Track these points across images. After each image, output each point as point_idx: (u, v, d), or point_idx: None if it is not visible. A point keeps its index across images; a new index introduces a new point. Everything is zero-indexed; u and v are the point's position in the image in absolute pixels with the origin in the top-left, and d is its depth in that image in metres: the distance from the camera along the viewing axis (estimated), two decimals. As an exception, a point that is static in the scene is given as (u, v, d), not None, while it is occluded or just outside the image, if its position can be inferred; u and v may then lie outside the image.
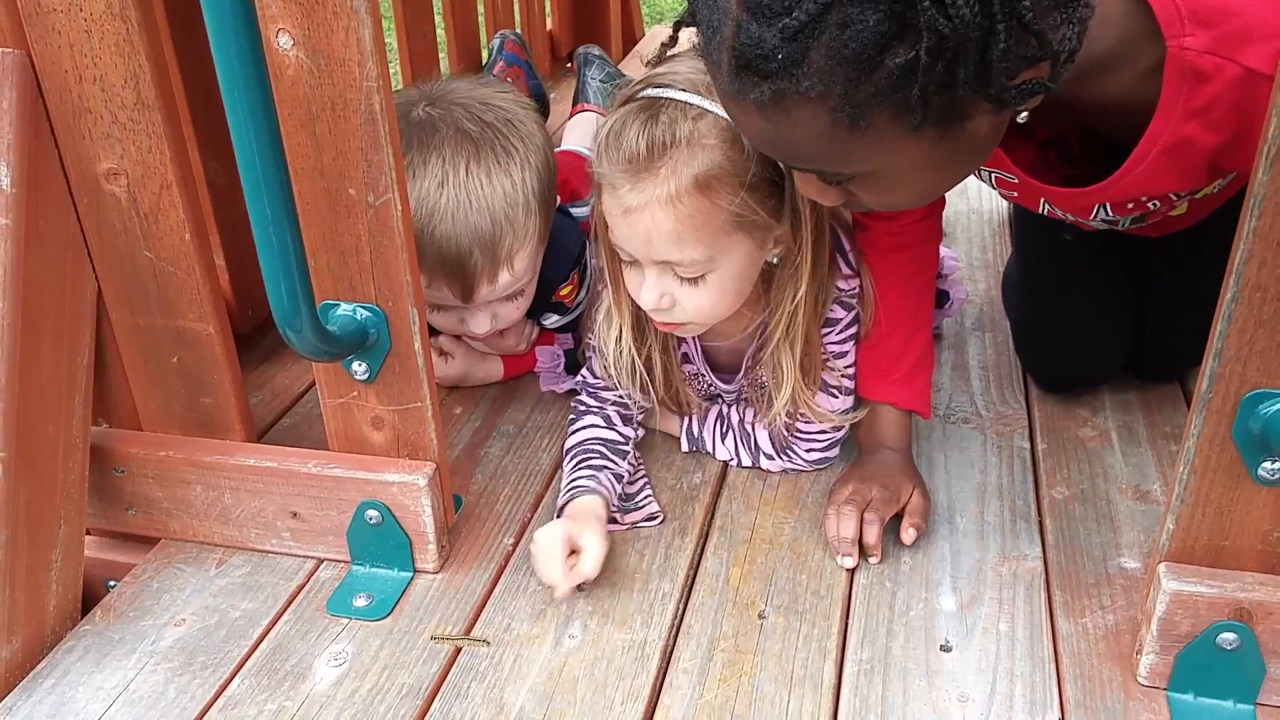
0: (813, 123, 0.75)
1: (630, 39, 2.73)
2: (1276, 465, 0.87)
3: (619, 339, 1.17)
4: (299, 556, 1.13)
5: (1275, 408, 0.84)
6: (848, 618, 1.04)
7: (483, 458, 1.29)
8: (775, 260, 1.08)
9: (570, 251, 1.34)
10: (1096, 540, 1.13)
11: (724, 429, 1.24)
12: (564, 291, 1.35)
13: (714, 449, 1.25)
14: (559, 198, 1.41)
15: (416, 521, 1.07)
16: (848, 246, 1.14)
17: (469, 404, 1.38)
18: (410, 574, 1.10)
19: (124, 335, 1.08)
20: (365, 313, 1.00)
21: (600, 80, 2.07)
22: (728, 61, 0.75)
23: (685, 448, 1.26)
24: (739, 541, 1.13)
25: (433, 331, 1.36)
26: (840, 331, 1.16)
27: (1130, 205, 1.05)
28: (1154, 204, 1.05)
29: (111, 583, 1.15)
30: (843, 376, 1.17)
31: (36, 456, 0.99)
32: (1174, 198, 1.04)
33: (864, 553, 1.09)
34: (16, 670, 0.98)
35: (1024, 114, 0.85)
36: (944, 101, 0.74)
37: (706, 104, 0.98)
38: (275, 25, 0.87)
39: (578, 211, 1.55)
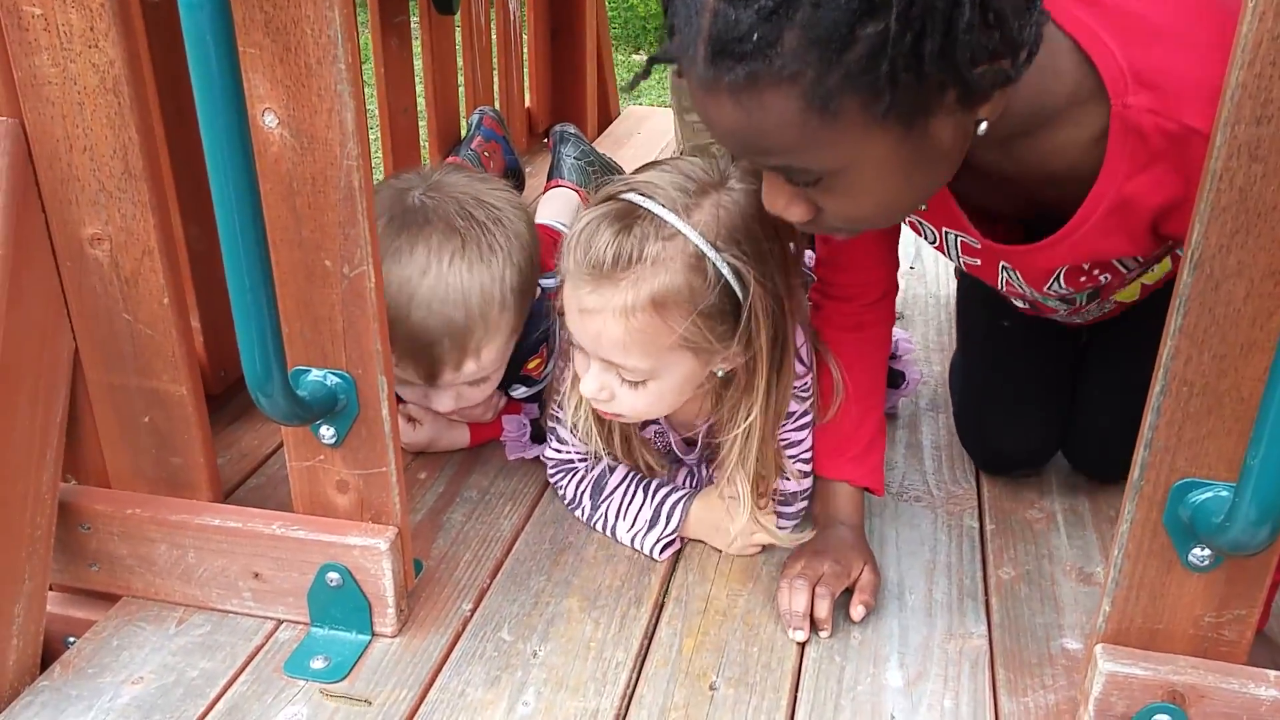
0: (785, 108, 0.77)
1: (606, 118, 2.81)
2: (1205, 552, 0.91)
3: (578, 405, 1.20)
4: (259, 617, 1.14)
5: (1204, 497, 0.88)
6: (797, 690, 1.06)
7: (445, 523, 1.31)
8: (720, 374, 1.12)
9: (539, 325, 1.37)
10: (1040, 620, 1.16)
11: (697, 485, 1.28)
12: (532, 365, 1.38)
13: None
14: None
15: (377, 585, 1.09)
16: (801, 340, 1.17)
17: (433, 469, 1.40)
18: (369, 637, 1.11)
19: (98, 394, 1.10)
20: (335, 379, 1.03)
21: (574, 158, 2.13)
22: (703, 52, 0.77)
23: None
24: (693, 613, 1.16)
25: (400, 398, 1.39)
26: (795, 421, 1.19)
27: (1083, 278, 1.08)
28: (1104, 276, 1.09)
29: (71, 639, 1.16)
30: (798, 462, 1.21)
31: (5, 511, 1.01)
32: (1123, 269, 1.08)
33: (815, 627, 1.11)
34: (-30, 725, 0.99)
35: (983, 124, 0.86)
36: (911, 85, 0.76)
37: (681, 225, 1.02)
38: (262, 104, 0.92)
39: (546, 283, 1.59)
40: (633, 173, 1.11)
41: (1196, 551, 0.91)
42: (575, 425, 1.22)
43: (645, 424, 1.25)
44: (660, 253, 1.01)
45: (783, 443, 1.19)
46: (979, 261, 1.14)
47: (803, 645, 1.11)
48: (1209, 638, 0.94)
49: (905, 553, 1.26)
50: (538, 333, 1.36)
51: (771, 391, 1.11)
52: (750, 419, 1.12)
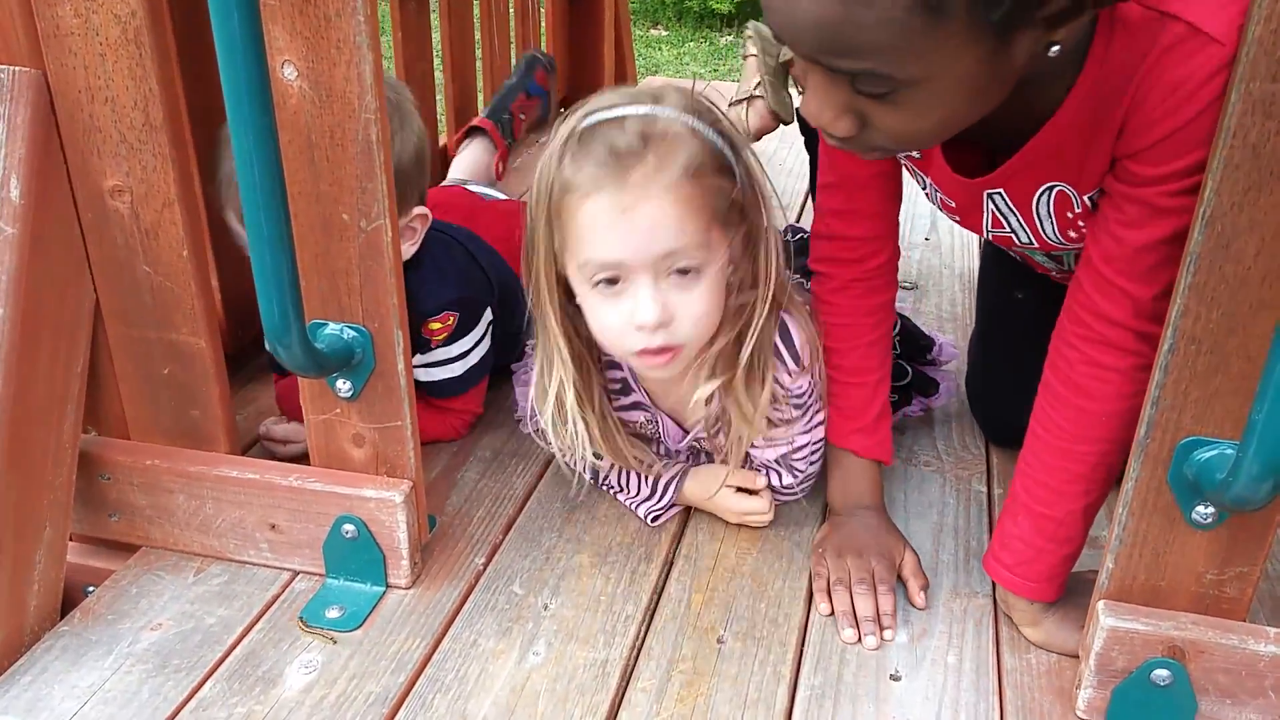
0: (889, 4, 0.73)
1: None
2: (1209, 510, 0.92)
3: (559, 393, 1.13)
4: (275, 568, 1.16)
5: (1208, 454, 0.89)
6: (803, 645, 1.08)
7: (459, 480, 1.32)
8: (734, 281, 1.08)
9: (453, 284, 1.30)
10: (1046, 582, 1.17)
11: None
12: (433, 326, 1.30)
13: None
14: (505, 254, 1.42)
15: (391, 537, 1.11)
16: (800, 340, 1.13)
17: (448, 429, 1.42)
18: (383, 589, 1.13)
19: (118, 346, 1.12)
20: (352, 332, 1.05)
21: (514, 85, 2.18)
22: None
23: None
24: (702, 570, 1.17)
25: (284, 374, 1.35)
26: (806, 421, 1.19)
27: (1070, 213, 1.02)
28: (1047, 209, 1.03)
29: (90, 588, 1.18)
30: (804, 461, 1.22)
31: (27, 459, 1.03)
32: (1074, 201, 1.00)
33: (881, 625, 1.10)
34: (-6, 665, 1.01)
35: (1055, 48, 0.83)
36: (1005, 18, 0.76)
37: (660, 110, 1.00)
38: (281, 56, 0.93)
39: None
40: (574, 111, 1.06)
41: (1200, 509, 0.92)
42: (552, 428, 1.15)
43: (635, 407, 1.22)
44: (666, 129, 0.99)
45: (788, 445, 1.20)
46: (955, 202, 1.10)
47: (809, 603, 1.13)
48: (1210, 595, 0.95)
49: (914, 515, 1.27)
50: (451, 294, 1.29)
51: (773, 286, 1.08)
52: (758, 324, 1.08)
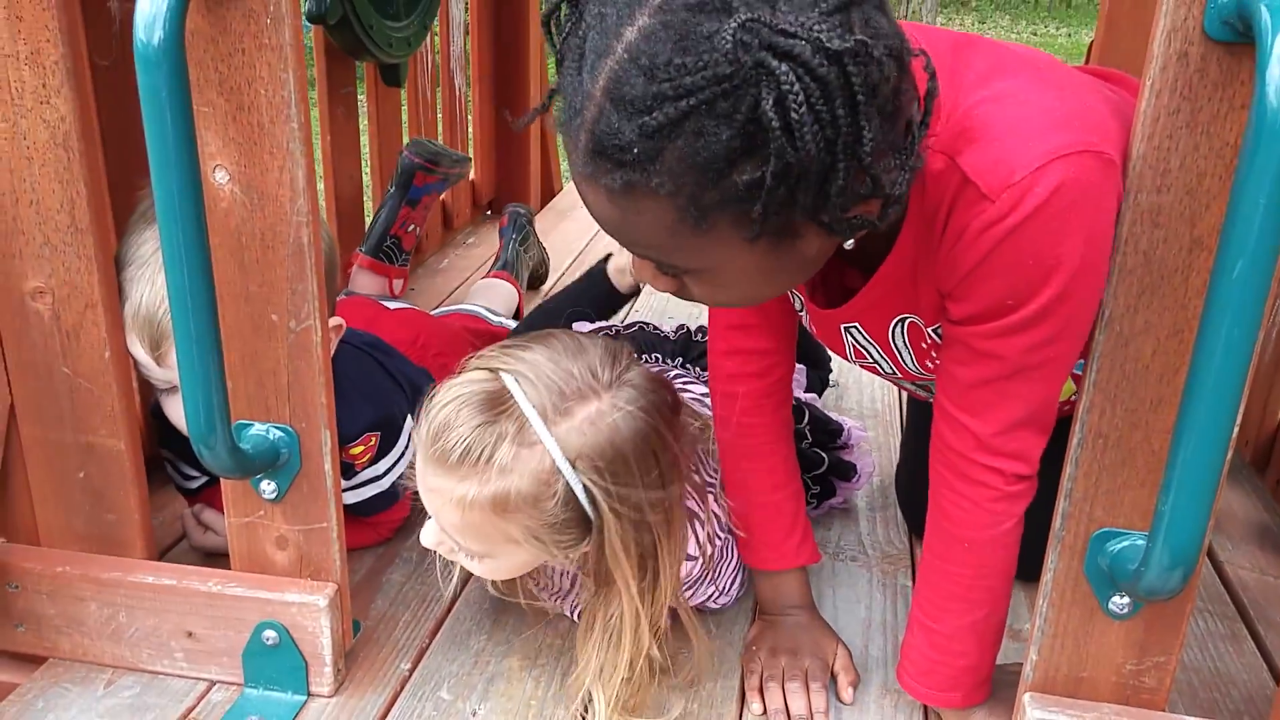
0: (658, 216, 0.76)
1: (549, 191, 2.87)
2: (1125, 600, 0.94)
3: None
4: (191, 678, 1.12)
5: (1121, 545, 0.93)
6: (736, 746, 1.07)
7: (384, 584, 1.30)
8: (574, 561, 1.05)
9: (376, 404, 1.27)
10: (973, 675, 1.19)
11: None
12: (355, 450, 1.26)
13: None
14: (409, 356, 1.42)
15: (314, 643, 1.08)
16: (696, 533, 1.12)
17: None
18: (305, 697, 1.10)
19: (32, 449, 1.09)
20: (278, 433, 1.03)
21: (516, 243, 2.16)
22: (585, 142, 0.76)
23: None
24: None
25: (193, 494, 1.33)
26: (697, 589, 1.18)
27: (924, 343, 1.03)
28: (903, 341, 1.04)
29: (-10, 705, 1.12)
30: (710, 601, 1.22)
31: (-71, 567, 0.99)
32: (924, 333, 1.02)
33: None
34: (-117, 790, 0.95)
35: (850, 241, 0.85)
36: (781, 220, 0.76)
37: (543, 434, 0.96)
38: (213, 161, 0.94)
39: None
40: (525, 339, 1.03)
41: (1116, 599, 0.94)
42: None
43: None
44: (511, 461, 0.95)
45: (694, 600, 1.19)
46: (816, 330, 1.12)
47: (742, 703, 1.12)
48: (1131, 685, 0.97)
49: (842, 610, 1.28)
50: (370, 416, 1.27)
51: (636, 613, 1.04)
52: (609, 635, 1.05)
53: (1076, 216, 0.82)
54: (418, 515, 1.40)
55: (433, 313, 1.82)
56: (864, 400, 1.85)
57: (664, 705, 1.11)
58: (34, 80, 0.94)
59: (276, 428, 1.03)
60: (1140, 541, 0.90)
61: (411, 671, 1.15)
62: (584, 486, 0.97)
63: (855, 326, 1.06)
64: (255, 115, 0.92)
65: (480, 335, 1.73)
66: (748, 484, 1.19)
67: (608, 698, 1.05)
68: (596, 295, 1.75)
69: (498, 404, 0.97)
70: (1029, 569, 1.20)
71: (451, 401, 0.98)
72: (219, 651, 1.10)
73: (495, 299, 1.89)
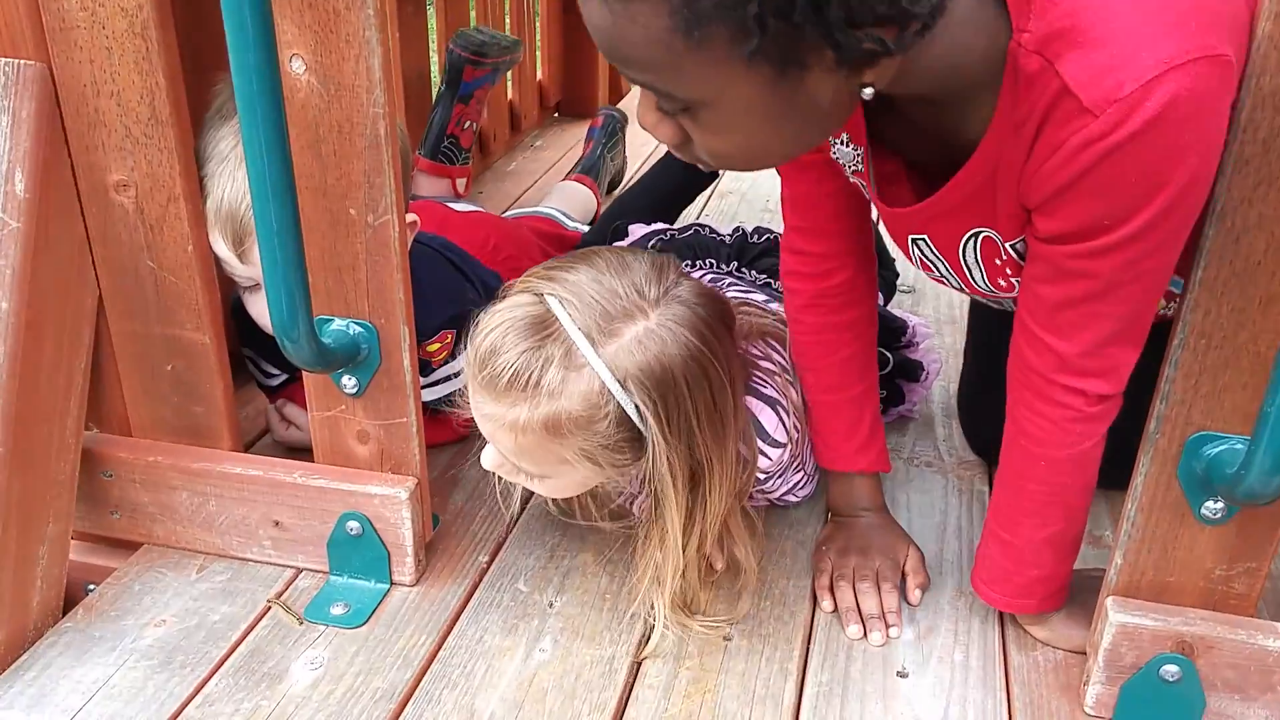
0: (650, 23, 0.70)
1: (617, 93, 2.81)
2: (1218, 505, 0.92)
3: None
4: (279, 565, 1.15)
5: (1218, 450, 0.89)
6: (809, 643, 1.07)
7: (461, 479, 1.32)
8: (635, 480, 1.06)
9: (450, 301, 1.26)
10: (1051, 580, 1.17)
11: None
12: (432, 347, 1.26)
13: None
14: (480, 259, 1.41)
15: (396, 534, 1.10)
16: (774, 423, 1.11)
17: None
18: (387, 586, 1.13)
19: (121, 342, 1.11)
20: (358, 328, 1.04)
21: (605, 147, 2.09)
22: None
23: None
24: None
25: (274, 391, 1.35)
26: (781, 485, 1.18)
27: (999, 260, 0.96)
28: (975, 258, 0.98)
29: (91, 586, 1.17)
30: (789, 495, 1.21)
31: (31, 453, 1.02)
32: (1000, 249, 0.94)
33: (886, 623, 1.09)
34: (-2, 662, 1.00)
35: (868, 89, 0.78)
36: (782, 33, 0.69)
37: (591, 356, 0.94)
38: (290, 50, 0.93)
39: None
40: (567, 260, 1.02)
41: (1209, 504, 0.92)
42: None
43: None
44: (559, 384, 0.94)
45: (765, 491, 1.19)
46: (889, 230, 1.05)
47: (815, 602, 1.13)
48: (1219, 590, 0.95)
49: (916, 515, 1.27)
50: (445, 313, 1.26)
51: (686, 530, 1.03)
52: (665, 549, 1.04)
53: (1189, 132, 0.75)
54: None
55: (504, 215, 1.80)
56: (940, 307, 1.81)
57: (736, 604, 1.12)
58: (111, -32, 0.93)
59: (356, 323, 1.04)
60: (1240, 446, 0.87)
61: (489, 564, 1.17)
62: (635, 406, 0.95)
63: (923, 239, 1.00)
64: (331, 1, 0.90)
65: (552, 240, 1.71)
66: (805, 381, 1.18)
67: (665, 603, 1.06)
68: (670, 187, 1.71)
69: (543, 327, 0.96)
70: (1111, 477, 1.16)
71: (497, 326, 0.97)
72: (305, 540, 1.13)
73: (572, 203, 1.86)
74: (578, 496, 1.19)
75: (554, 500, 1.21)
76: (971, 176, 0.87)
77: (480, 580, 1.15)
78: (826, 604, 1.12)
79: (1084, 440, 0.94)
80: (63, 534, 1.08)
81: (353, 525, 1.10)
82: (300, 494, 1.11)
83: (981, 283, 1.00)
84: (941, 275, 1.05)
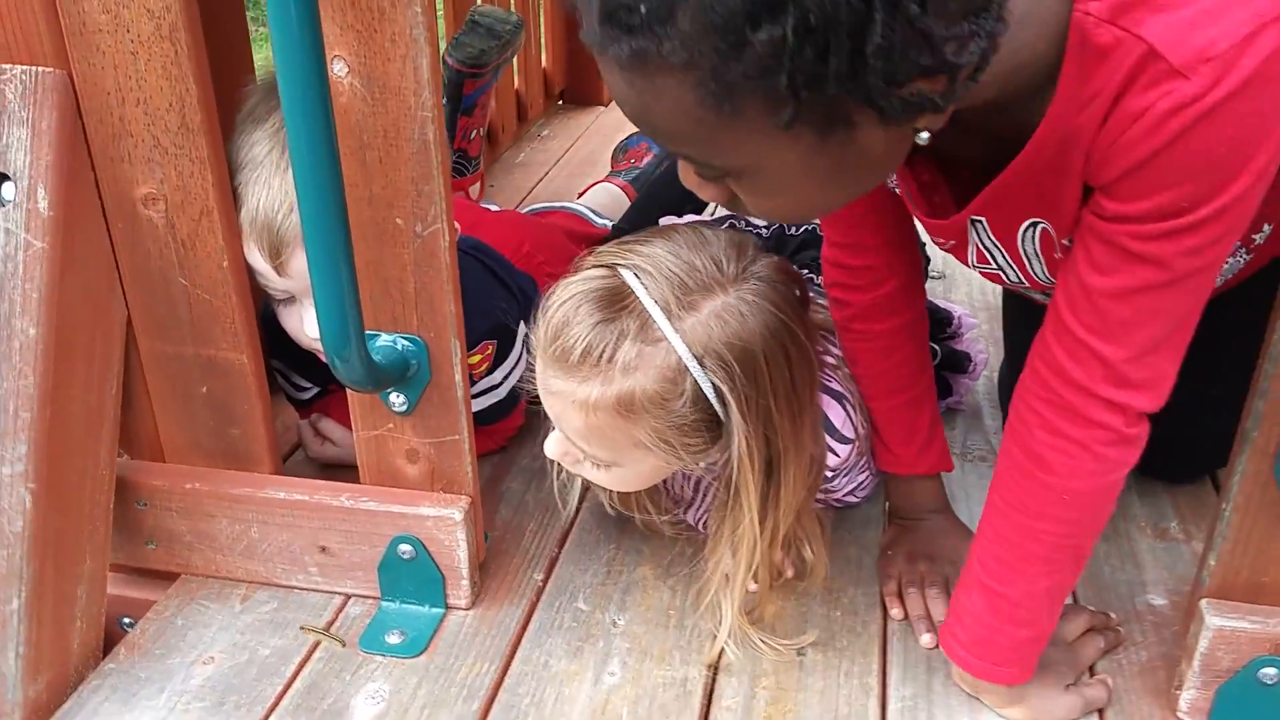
0: (677, 96, 0.66)
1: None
2: (1319, 503, 0.88)
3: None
4: (325, 592, 1.10)
5: (1319, 446, 0.86)
6: (885, 655, 1.03)
7: (504, 493, 1.27)
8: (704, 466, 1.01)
9: (491, 311, 1.22)
10: (1122, 577, 1.14)
11: None
12: (473, 360, 1.21)
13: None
14: (513, 262, 1.36)
15: (451, 556, 1.05)
16: (840, 418, 1.07)
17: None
18: (442, 610, 1.08)
19: (152, 364, 1.05)
20: (406, 343, 0.99)
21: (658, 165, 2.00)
22: (597, 5, 0.65)
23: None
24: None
25: (304, 405, 1.29)
26: (846, 484, 1.13)
27: (1058, 254, 0.89)
28: (1034, 248, 0.90)
29: (126, 620, 1.12)
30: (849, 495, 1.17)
31: (65, 489, 0.97)
32: (1056, 243, 0.88)
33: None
34: (42, 711, 0.95)
35: (923, 134, 0.73)
36: (819, 99, 0.64)
37: (668, 330, 0.90)
38: (331, 51, 0.86)
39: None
40: (645, 234, 0.98)
41: (1311, 503, 0.88)
42: (560, 469, 1.11)
43: None
44: (635, 359, 0.90)
45: (829, 490, 1.14)
46: (944, 239, 0.97)
47: (885, 610, 1.09)
48: (1320, 591, 0.92)
49: (977, 513, 1.21)
50: (487, 323, 1.21)
51: (761, 519, 0.98)
52: (736, 541, 1.00)
53: None
54: (532, 423, 1.37)
55: (531, 209, 1.74)
56: (973, 292, 1.77)
57: (806, 616, 1.08)
58: (136, -33, 0.87)
59: (404, 338, 0.99)
60: (1347, 442, 0.83)
61: (545, 582, 1.13)
62: (713, 385, 0.91)
63: (981, 222, 0.92)
64: (376, -1, 0.84)
65: (580, 239, 1.65)
66: (862, 387, 1.13)
67: (734, 607, 1.02)
68: None
69: (618, 300, 0.91)
70: (1173, 471, 1.11)
71: (570, 299, 0.92)
72: (354, 565, 1.08)
73: (608, 206, 1.79)
74: (635, 495, 1.15)
75: (611, 496, 1.16)
76: (1029, 163, 0.79)
77: (538, 600, 1.10)
78: (896, 612, 1.07)
79: (1117, 468, 0.85)
80: (100, 570, 1.03)
81: (405, 549, 1.05)
82: (349, 518, 1.05)
83: (1041, 274, 0.93)
84: (999, 267, 0.97)
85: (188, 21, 0.89)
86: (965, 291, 1.77)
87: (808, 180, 0.73)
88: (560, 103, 2.60)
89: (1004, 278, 0.98)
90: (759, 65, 0.62)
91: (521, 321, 1.29)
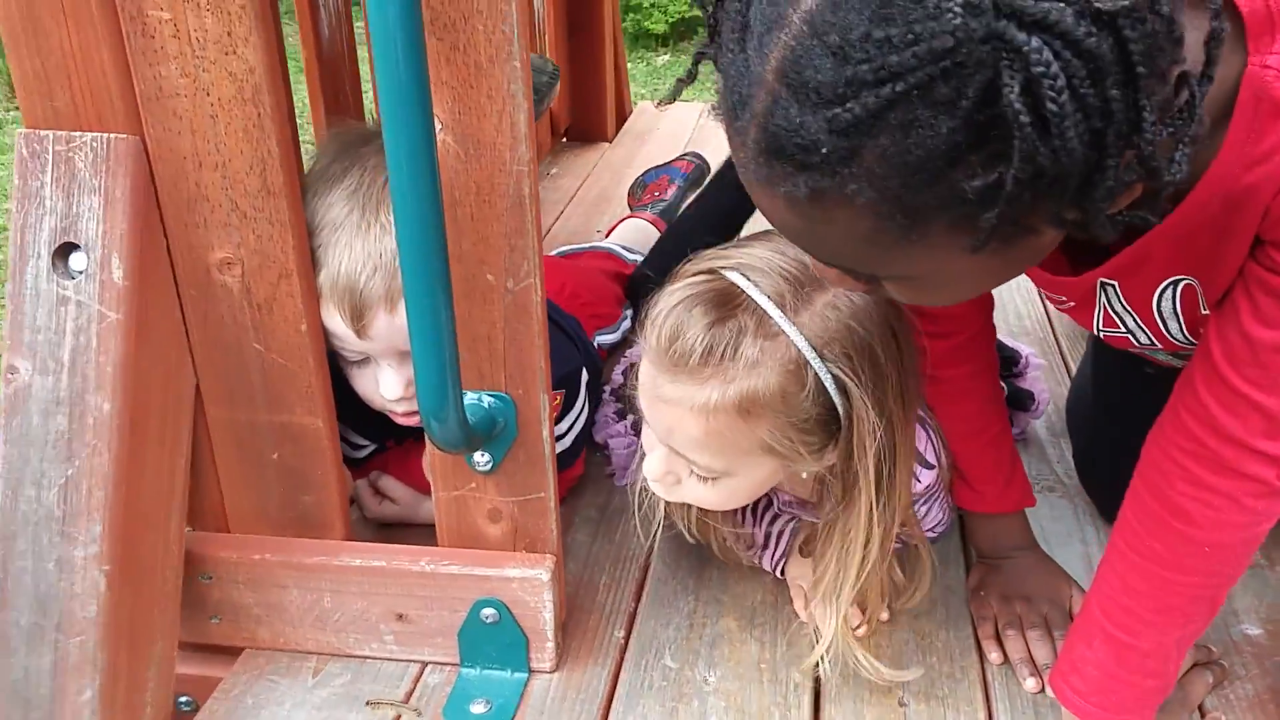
0: (853, 224, 0.63)
1: (621, 115, 2.74)
2: None
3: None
4: (402, 660, 1.06)
5: None
6: (989, 702, 1.01)
7: (571, 545, 1.23)
8: (810, 474, 1.00)
9: (558, 360, 1.12)
10: (1208, 607, 1.12)
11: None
12: None
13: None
14: (569, 311, 1.34)
15: (536, 619, 1.02)
16: (922, 441, 1.05)
17: (544, 489, 1.33)
18: (525, 675, 1.04)
19: (220, 431, 1.01)
20: (492, 400, 0.96)
21: (685, 194, 1.97)
22: (756, 139, 0.62)
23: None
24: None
25: (360, 464, 1.25)
26: (925, 513, 1.11)
27: (1204, 311, 0.85)
28: (1173, 307, 0.87)
29: (184, 698, 1.07)
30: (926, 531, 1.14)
31: (138, 568, 0.92)
32: (1202, 301, 0.84)
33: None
34: (123, 808, 0.90)
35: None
36: (1019, 224, 0.62)
37: (785, 325, 0.89)
38: (422, 109, 0.84)
39: (603, 339, 1.46)
40: (737, 241, 0.98)
41: None
42: (642, 495, 1.09)
43: None
44: (757, 354, 0.88)
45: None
46: (1065, 299, 0.95)
47: (981, 652, 1.06)
48: None
49: (1056, 546, 1.21)
50: (557, 373, 1.12)
51: (874, 521, 0.96)
52: (847, 545, 0.98)
53: None
54: (590, 472, 1.34)
55: (559, 252, 1.72)
56: (1009, 317, 1.76)
57: (901, 662, 1.05)
58: (217, 28, 0.84)
59: (491, 395, 0.96)
60: None
61: (627, 639, 1.09)
62: (833, 377, 0.90)
63: (1112, 285, 0.88)
64: (472, 54, 0.82)
65: (615, 277, 1.63)
66: (945, 429, 1.11)
67: (840, 617, 0.99)
68: (729, 204, 1.63)
69: (729, 300, 0.90)
70: None
71: (679, 304, 0.91)
72: (432, 632, 1.04)
73: (640, 242, 1.77)
74: (713, 522, 1.13)
75: (690, 522, 1.13)
76: (1183, 222, 0.76)
77: (622, 659, 1.07)
78: (995, 656, 1.05)
79: (1265, 520, 0.82)
80: (169, 652, 0.98)
81: (488, 612, 1.01)
82: (429, 583, 1.02)
83: (1179, 335, 0.90)
84: (1129, 330, 0.93)
85: (272, 82, 0.86)
86: (1000, 316, 1.73)
87: (973, 278, 0.73)
88: (564, 140, 2.58)
89: (1132, 341, 0.94)
90: (958, 200, 0.59)
91: (584, 370, 1.26)
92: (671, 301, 0.92)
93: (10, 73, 0.86)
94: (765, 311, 0.89)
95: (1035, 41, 0.54)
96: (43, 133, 0.88)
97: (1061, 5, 0.54)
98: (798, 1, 0.58)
